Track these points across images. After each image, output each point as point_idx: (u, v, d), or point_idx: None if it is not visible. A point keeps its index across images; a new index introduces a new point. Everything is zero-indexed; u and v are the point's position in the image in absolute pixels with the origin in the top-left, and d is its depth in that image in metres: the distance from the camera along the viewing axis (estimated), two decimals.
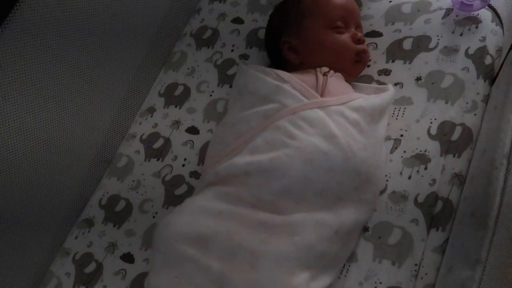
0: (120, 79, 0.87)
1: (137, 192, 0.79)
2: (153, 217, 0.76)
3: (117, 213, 0.79)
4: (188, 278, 0.55)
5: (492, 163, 0.47)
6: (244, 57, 0.86)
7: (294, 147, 0.59)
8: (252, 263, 0.54)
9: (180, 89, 0.88)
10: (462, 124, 0.66)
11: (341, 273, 0.61)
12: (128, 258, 0.74)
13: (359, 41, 0.71)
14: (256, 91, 0.67)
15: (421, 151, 0.66)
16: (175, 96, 0.87)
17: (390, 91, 0.68)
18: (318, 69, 0.70)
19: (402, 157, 0.67)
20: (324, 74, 0.69)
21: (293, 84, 0.65)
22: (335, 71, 0.71)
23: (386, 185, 0.65)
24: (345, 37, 0.71)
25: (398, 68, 0.74)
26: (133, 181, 0.81)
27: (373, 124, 0.64)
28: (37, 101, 0.72)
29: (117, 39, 0.83)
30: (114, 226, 0.78)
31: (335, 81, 0.68)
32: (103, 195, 0.82)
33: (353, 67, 0.72)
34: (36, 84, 0.71)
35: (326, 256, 0.57)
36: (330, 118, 0.61)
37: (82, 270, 0.75)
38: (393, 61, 0.75)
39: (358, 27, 0.74)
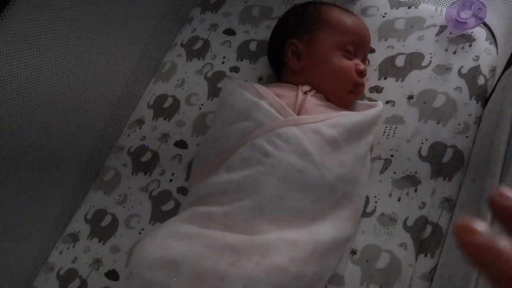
0: (110, 89, 0.85)
1: (123, 207, 0.78)
2: (139, 233, 0.75)
3: (102, 228, 0.77)
4: None
5: (481, 195, 0.46)
6: (235, 69, 0.84)
7: (268, 165, 0.59)
8: None
9: (169, 101, 0.86)
10: (454, 146, 0.64)
11: None
12: (112, 275, 0.72)
13: (360, 74, 0.70)
14: (234, 106, 0.67)
15: (411, 172, 0.65)
16: (164, 108, 0.86)
17: (376, 108, 0.67)
18: (300, 86, 0.69)
19: (392, 178, 0.66)
20: (305, 93, 0.68)
21: (270, 101, 0.65)
22: (327, 91, 0.70)
23: (375, 207, 0.64)
24: (350, 64, 0.69)
25: (390, 85, 0.73)
26: (120, 195, 0.79)
27: (352, 141, 0.63)
28: (25, 100, 0.70)
29: (108, 47, 0.81)
30: (100, 241, 0.76)
31: (315, 100, 0.67)
32: (89, 209, 0.80)
33: (345, 95, 0.70)
34: (22, 84, 0.70)
35: (301, 279, 0.55)
36: (305, 135, 0.60)
37: (66, 287, 0.74)
38: (385, 78, 0.74)
39: (364, 60, 0.73)
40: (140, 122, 0.86)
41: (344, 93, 0.70)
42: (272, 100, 0.65)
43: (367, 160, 0.66)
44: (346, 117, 0.64)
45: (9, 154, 0.71)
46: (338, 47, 0.69)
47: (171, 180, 0.78)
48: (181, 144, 0.81)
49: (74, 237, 0.78)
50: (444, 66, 0.71)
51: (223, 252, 0.54)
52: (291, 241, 0.55)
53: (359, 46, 0.71)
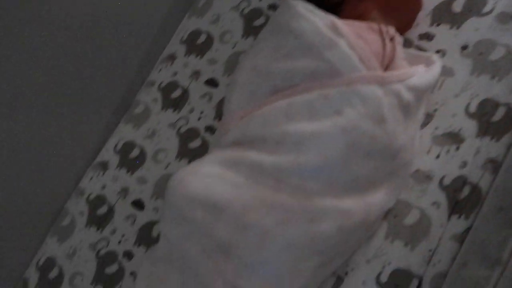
0: (145, 23, 0.84)
1: (151, 141, 0.78)
2: (166, 168, 0.75)
3: (131, 159, 0.78)
4: (196, 238, 0.55)
5: None
6: (273, 7, 0.79)
7: (339, 127, 0.53)
8: (262, 243, 0.52)
9: (202, 37, 0.83)
10: (507, 105, 0.58)
11: None
12: (138, 205, 0.74)
13: None
14: (300, 35, 0.56)
15: (454, 129, 0.60)
16: (197, 45, 0.83)
17: (438, 65, 0.61)
18: (383, 29, 0.59)
19: (432, 134, 0.61)
20: (391, 40, 0.59)
21: (351, 43, 0.55)
22: (401, 12, 0.64)
23: None
24: None
25: (443, 33, 0.66)
26: (149, 129, 0.80)
27: (418, 104, 0.58)
28: (63, 32, 0.70)
29: None
30: (127, 172, 0.78)
31: (400, 50, 0.60)
32: (119, 141, 0.81)
33: (415, 17, 0.66)
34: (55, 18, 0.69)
35: (343, 245, 0.54)
36: (386, 99, 0.54)
37: (95, 211, 0.77)
38: (438, 25, 0.67)
39: None
40: (172, 57, 0.84)
41: (417, 12, 0.65)
42: (354, 42, 0.55)
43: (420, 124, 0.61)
44: (422, 78, 0.58)
45: (50, 86, 0.72)
46: None
47: (199, 118, 0.77)
48: (212, 82, 0.78)
49: (104, 166, 0.80)
50: (509, 14, 0.63)
51: (272, 209, 0.52)
52: (343, 210, 0.53)
53: None
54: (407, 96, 0.55)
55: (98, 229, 0.75)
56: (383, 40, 0.58)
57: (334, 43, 0.55)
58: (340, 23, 0.57)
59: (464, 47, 0.64)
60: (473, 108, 0.60)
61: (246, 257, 0.52)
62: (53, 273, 0.75)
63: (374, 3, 0.62)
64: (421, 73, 0.58)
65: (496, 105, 0.59)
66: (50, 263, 0.76)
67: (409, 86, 0.56)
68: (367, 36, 0.58)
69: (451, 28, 0.66)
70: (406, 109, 0.56)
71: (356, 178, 0.54)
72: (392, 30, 0.61)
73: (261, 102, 0.58)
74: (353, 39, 0.55)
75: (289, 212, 0.52)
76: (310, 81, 0.55)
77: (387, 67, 0.58)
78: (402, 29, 0.65)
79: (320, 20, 0.56)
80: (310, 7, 0.58)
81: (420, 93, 0.57)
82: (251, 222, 0.52)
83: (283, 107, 0.55)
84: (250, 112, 0.58)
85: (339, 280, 0.57)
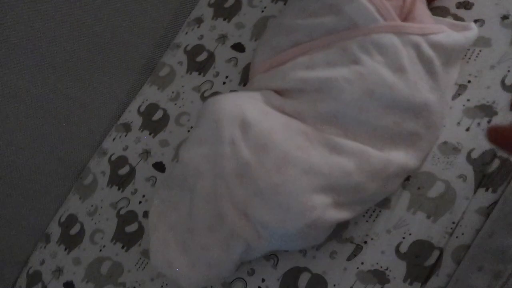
0: None
1: (175, 104, 0.78)
2: (188, 131, 0.75)
3: (154, 122, 0.79)
4: (213, 159, 0.55)
5: None
6: None
7: (356, 72, 0.53)
8: (280, 166, 0.51)
9: (231, 1, 0.81)
10: None
11: (369, 217, 0.58)
12: (159, 167, 0.75)
13: None
14: None
15: (488, 102, 0.58)
16: (225, 8, 0.81)
17: (474, 31, 0.58)
18: None
19: (464, 105, 0.59)
20: None
21: None
22: None
23: None
24: None
25: (483, 1, 0.63)
26: (173, 92, 0.79)
27: (447, 66, 0.56)
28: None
29: None
30: (150, 134, 0.78)
31: (422, 6, 0.59)
32: (142, 102, 0.81)
33: None
34: None
35: (359, 192, 0.53)
36: (404, 48, 0.54)
37: (117, 172, 0.78)
38: None
39: None
40: (199, 20, 0.83)
41: None
42: None
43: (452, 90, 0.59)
44: (449, 37, 0.56)
45: (75, 48, 0.72)
46: None
47: (224, 83, 0.76)
48: (239, 47, 0.77)
49: (127, 127, 0.81)
50: None
51: (295, 135, 0.53)
52: (363, 152, 0.52)
53: None
54: (429, 52, 0.54)
55: (119, 189, 0.77)
56: None
57: None
58: None
59: (504, 17, 0.61)
60: (509, 80, 0.58)
61: (261, 181, 0.51)
62: (75, 229, 0.77)
63: None
64: (449, 33, 0.56)
65: None
66: (72, 219, 0.78)
67: (432, 42, 0.54)
68: None
69: None
70: (428, 65, 0.54)
71: (374, 129, 0.54)
72: None
73: (282, 56, 0.60)
74: None
75: (312, 140, 0.53)
76: (329, 35, 0.56)
77: (405, 19, 0.56)
78: None
79: None
80: None
81: (447, 53, 0.55)
82: (273, 143, 0.52)
83: (304, 62, 0.57)
84: (272, 65, 0.61)
85: (358, 248, 0.57)
